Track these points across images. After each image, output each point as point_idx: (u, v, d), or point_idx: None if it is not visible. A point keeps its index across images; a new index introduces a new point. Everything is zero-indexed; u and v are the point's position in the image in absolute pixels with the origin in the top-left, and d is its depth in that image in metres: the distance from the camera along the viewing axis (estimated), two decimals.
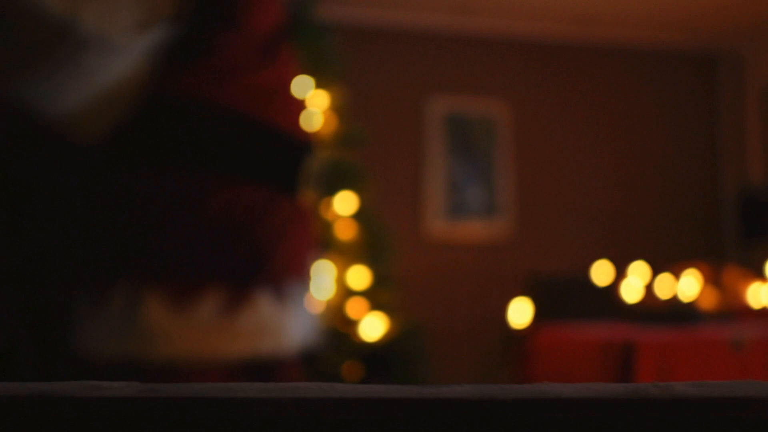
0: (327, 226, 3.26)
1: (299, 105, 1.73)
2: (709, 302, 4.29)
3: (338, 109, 3.29)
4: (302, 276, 1.56)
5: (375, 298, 3.28)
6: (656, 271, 4.54)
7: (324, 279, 3.16)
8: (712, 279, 4.44)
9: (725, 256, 5.66)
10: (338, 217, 3.28)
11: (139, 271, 1.44)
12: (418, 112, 5.61)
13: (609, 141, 5.94)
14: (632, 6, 5.59)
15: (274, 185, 1.53)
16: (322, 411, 0.54)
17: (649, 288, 4.37)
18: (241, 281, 1.45)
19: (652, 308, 3.83)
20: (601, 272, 4.35)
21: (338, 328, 3.19)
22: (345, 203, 3.29)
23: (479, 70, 5.76)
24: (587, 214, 5.80)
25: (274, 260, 1.51)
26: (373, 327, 3.24)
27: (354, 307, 3.26)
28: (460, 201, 5.54)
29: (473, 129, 5.65)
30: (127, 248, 1.46)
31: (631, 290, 4.31)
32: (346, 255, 3.27)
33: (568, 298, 4.33)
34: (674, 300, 4.01)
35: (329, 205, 3.29)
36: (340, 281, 3.26)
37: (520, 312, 4.36)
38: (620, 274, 4.45)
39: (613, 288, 4.31)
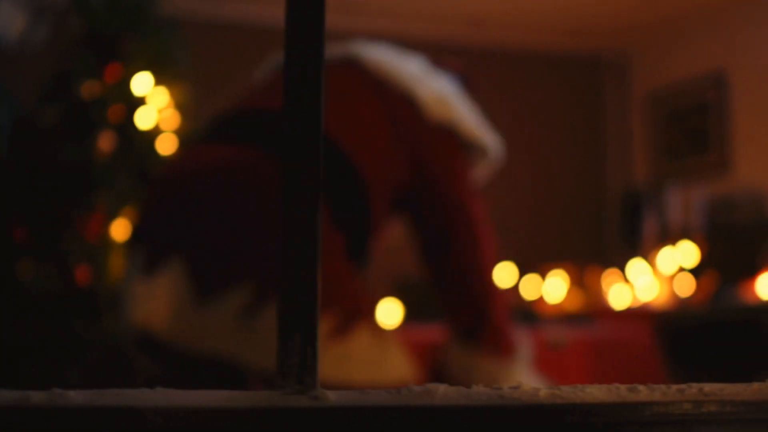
0: None
1: None
2: (574, 303, 4.34)
3: (181, 106, 3.23)
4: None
5: None
6: (526, 271, 4.58)
7: None
8: (577, 280, 4.49)
9: (609, 256, 5.73)
10: None
11: (264, 275, 1.42)
12: None
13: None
14: (519, 9, 5.64)
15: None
16: None
17: (515, 289, 4.41)
18: (348, 312, 1.46)
19: None
20: None
21: None
22: None
23: None
24: None
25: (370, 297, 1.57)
26: None
27: None
28: None
29: None
30: (258, 250, 1.44)
31: None
32: None
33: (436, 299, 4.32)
34: (517, 303, 4.05)
35: None
36: None
37: (388, 313, 4.35)
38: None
39: None
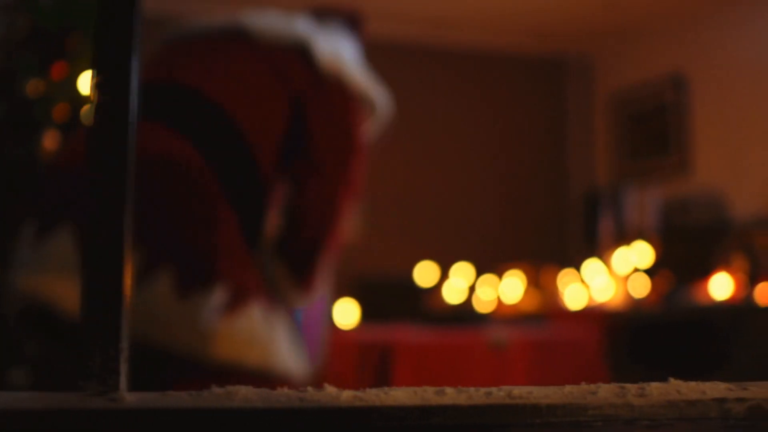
0: None
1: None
2: (530, 303, 4.34)
3: None
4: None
5: None
6: (485, 271, 4.58)
7: None
8: (534, 280, 4.50)
9: (569, 257, 5.75)
10: None
11: (158, 246, 1.39)
12: None
13: (458, 143, 5.99)
14: (484, 11, 5.64)
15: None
16: None
17: (472, 289, 4.41)
18: (240, 289, 1.43)
19: (441, 310, 3.86)
20: (425, 274, 4.37)
21: None
22: None
23: None
24: (436, 216, 5.83)
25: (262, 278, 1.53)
26: None
27: None
28: None
29: None
30: (151, 219, 1.41)
31: (452, 291, 4.34)
32: None
33: (393, 299, 4.33)
34: (462, 303, 4.05)
35: None
36: None
37: (345, 313, 4.34)
38: (446, 275, 4.48)
39: (436, 289, 4.33)
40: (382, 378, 2.54)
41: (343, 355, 2.78)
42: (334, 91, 1.68)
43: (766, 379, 0.64)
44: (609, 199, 5.04)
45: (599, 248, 4.82)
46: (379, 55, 5.94)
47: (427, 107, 5.95)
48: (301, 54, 1.66)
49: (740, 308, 3.94)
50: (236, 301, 1.41)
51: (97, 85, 0.59)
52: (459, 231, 5.70)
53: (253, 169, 1.56)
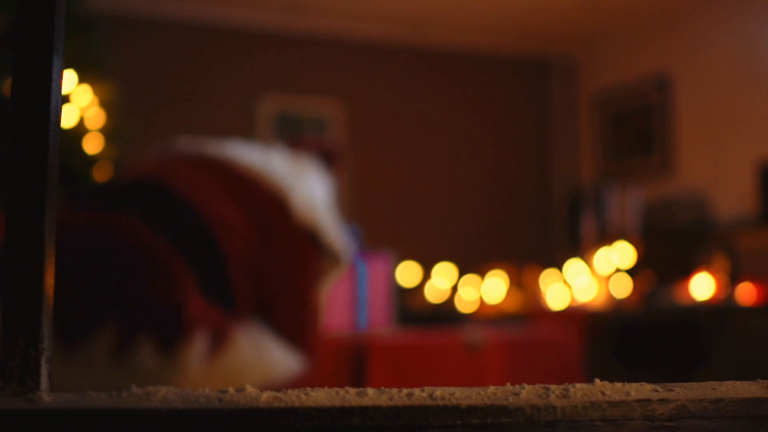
0: None
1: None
2: (513, 304, 4.35)
3: (106, 104, 3.20)
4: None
5: None
6: (468, 271, 4.58)
7: None
8: (516, 280, 4.50)
9: (553, 257, 5.76)
10: None
11: (129, 314, 1.44)
12: (248, 112, 5.55)
13: (442, 143, 5.99)
14: (468, 11, 5.64)
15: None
16: None
17: (454, 289, 4.41)
18: (221, 322, 1.47)
19: (422, 310, 3.86)
20: (408, 274, 4.37)
21: None
22: None
23: (312, 70, 5.73)
24: (419, 216, 5.83)
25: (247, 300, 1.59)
26: None
27: None
28: None
29: (305, 128, 5.63)
30: (114, 292, 1.46)
31: (434, 291, 4.34)
32: None
33: None
34: (444, 303, 4.05)
35: None
36: None
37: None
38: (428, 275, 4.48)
39: (418, 289, 4.33)
40: (358, 379, 2.54)
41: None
42: (303, 238, 1.77)
43: (747, 379, 0.64)
44: (592, 199, 5.05)
45: (582, 248, 4.82)
46: (365, 55, 5.97)
47: (412, 107, 5.95)
48: (281, 201, 1.75)
49: (721, 308, 3.96)
50: (218, 338, 1.45)
51: (16, 85, 0.59)
52: (442, 231, 5.71)
53: (219, 258, 1.62)
